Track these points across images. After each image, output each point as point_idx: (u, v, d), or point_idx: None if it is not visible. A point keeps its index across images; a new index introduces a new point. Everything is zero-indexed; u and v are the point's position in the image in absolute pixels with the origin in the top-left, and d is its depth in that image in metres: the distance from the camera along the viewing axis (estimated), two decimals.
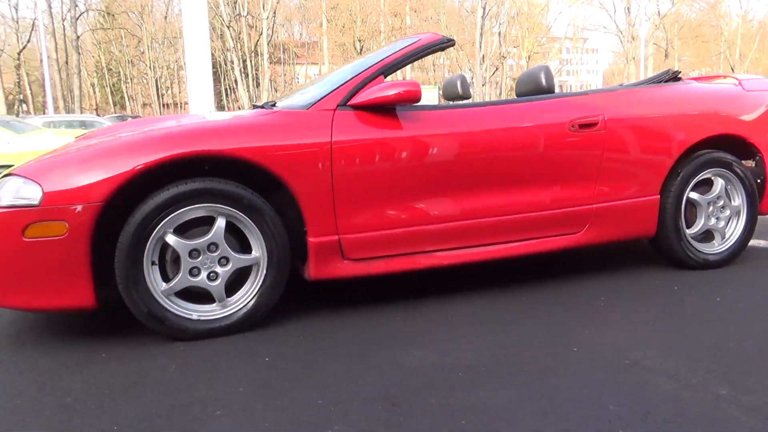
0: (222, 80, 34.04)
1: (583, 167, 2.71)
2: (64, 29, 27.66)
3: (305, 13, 32.12)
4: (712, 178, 3.01)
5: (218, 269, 2.23)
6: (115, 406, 1.70)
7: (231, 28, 24.39)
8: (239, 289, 2.30)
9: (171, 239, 2.15)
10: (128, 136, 2.22)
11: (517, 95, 3.05)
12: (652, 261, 3.15)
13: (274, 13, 26.10)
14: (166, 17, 39.95)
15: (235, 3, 26.05)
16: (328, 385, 1.80)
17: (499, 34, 34.35)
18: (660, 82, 3.17)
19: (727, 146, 3.06)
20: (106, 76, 43.13)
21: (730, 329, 2.16)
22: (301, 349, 2.10)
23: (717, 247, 3.04)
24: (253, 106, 2.99)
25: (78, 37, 27.33)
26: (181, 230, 2.21)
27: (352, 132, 2.36)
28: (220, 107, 30.54)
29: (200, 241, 2.19)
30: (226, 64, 29.57)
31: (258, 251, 2.28)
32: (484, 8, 27.78)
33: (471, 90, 3.75)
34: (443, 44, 2.70)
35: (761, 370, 1.81)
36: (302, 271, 2.44)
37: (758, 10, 45.49)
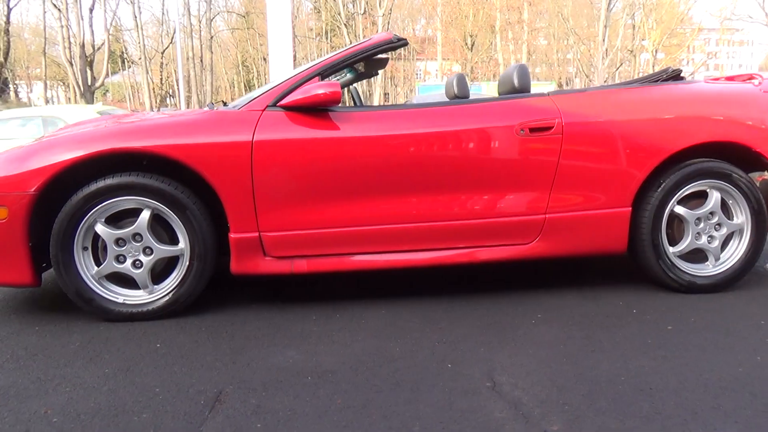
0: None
1: (534, 174, 2.53)
2: (200, 30, 30.24)
3: (421, 9, 32.24)
4: (708, 190, 2.66)
5: (142, 258, 2.39)
6: None
7: (347, 26, 25.13)
8: (167, 278, 2.45)
9: (99, 228, 2.35)
10: (68, 133, 2.45)
11: (499, 95, 2.91)
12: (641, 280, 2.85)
13: (390, 10, 26.47)
14: (296, 17, 42.17)
15: (354, 1, 26.83)
16: (181, 374, 1.88)
17: (633, 26, 32.04)
18: (656, 81, 2.86)
19: (733, 156, 2.70)
20: (241, 73, 46.44)
21: (629, 364, 1.92)
22: (193, 339, 2.20)
23: (710, 270, 2.69)
24: (208, 105, 3.12)
25: (212, 37, 29.76)
26: (116, 220, 2.40)
27: (276, 132, 2.41)
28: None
29: (125, 231, 2.36)
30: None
31: (183, 243, 2.41)
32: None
33: (470, 89, 3.62)
34: (393, 44, 2.65)
35: (605, 410, 1.62)
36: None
37: None
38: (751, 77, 2.92)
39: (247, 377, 1.85)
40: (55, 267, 2.35)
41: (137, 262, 2.39)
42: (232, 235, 2.42)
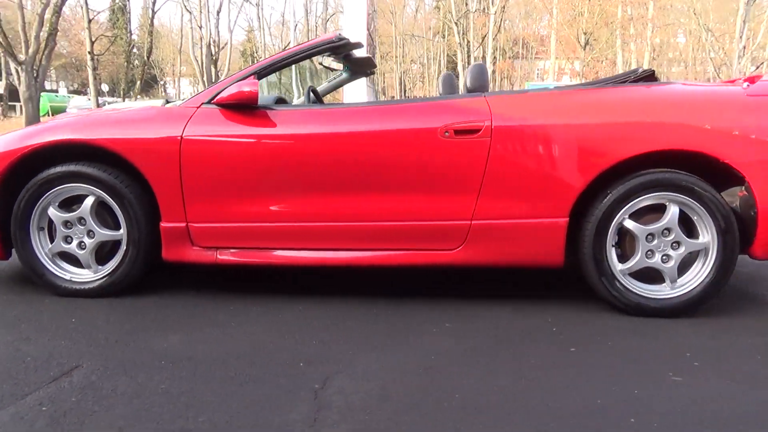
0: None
1: (458, 178, 2.42)
2: (316, 29, 31.62)
3: (536, 6, 31.11)
4: (666, 204, 2.40)
5: (86, 240, 2.62)
6: None
7: (457, 24, 24.92)
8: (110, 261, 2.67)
9: (50, 211, 2.61)
10: (41, 125, 2.74)
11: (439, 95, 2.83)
12: None
13: (503, 8, 25.87)
14: (416, 15, 42.63)
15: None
16: (60, 348, 2.05)
17: None
18: (624, 82, 2.62)
19: (707, 168, 2.41)
20: None
21: (488, 383, 1.80)
22: (105, 318, 2.37)
23: (666, 292, 2.42)
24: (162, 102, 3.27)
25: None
26: (70, 204, 2.65)
27: (206, 128, 2.53)
28: None
29: (71, 215, 2.60)
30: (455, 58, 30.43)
31: (123, 230, 2.61)
32: None
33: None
34: (334, 44, 2.68)
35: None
36: None
37: None
38: (750, 79, 2.58)
39: (112, 355, 1.98)
40: (15, 244, 2.64)
41: (82, 244, 2.62)
42: (162, 224, 2.57)
